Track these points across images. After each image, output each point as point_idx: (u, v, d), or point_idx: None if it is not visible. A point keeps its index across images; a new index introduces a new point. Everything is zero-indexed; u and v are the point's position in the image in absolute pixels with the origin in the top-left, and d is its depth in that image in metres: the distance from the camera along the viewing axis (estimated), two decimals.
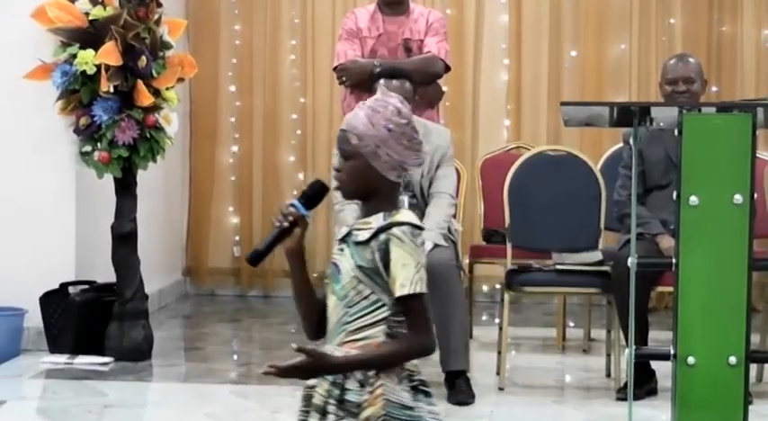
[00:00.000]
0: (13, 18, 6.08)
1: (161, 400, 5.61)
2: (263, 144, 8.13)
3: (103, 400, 5.32)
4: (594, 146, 7.42)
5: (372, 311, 2.78)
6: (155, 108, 5.96)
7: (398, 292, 2.73)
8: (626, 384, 4.60)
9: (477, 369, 5.72)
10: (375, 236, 2.77)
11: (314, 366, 2.74)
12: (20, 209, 6.21)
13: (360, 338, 2.79)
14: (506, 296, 5.65)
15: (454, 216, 5.76)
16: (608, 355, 5.79)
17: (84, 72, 5.78)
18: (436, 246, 5.46)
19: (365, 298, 2.78)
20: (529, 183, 5.87)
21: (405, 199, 5.63)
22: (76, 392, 5.43)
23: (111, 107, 5.85)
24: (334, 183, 2.89)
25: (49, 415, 5.23)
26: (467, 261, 6.42)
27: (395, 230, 2.75)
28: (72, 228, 6.26)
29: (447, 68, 6.22)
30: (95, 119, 5.85)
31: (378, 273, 2.76)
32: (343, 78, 6.14)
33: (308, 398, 2.84)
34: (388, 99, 2.86)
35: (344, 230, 2.87)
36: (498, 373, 5.63)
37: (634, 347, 4.19)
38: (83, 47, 5.81)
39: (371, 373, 2.75)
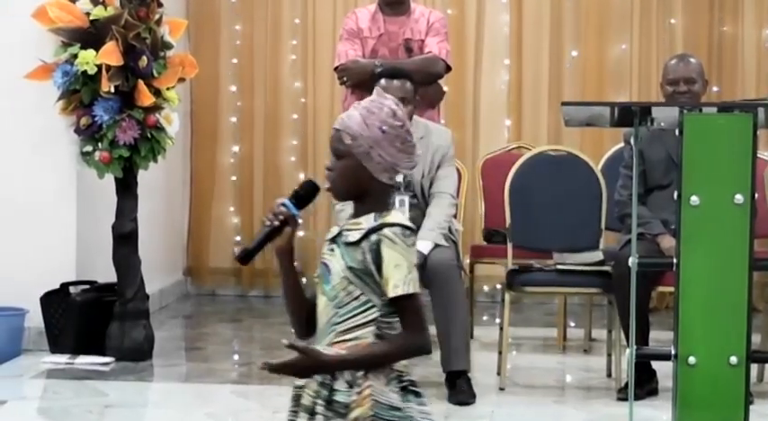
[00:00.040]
0: (13, 18, 6.08)
1: (162, 400, 5.61)
2: (264, 144, 8.13)
3: (104, 400, 5.32)
4: (595, 146, 7.42)
5: (362, 312, 2.78)
6: (155, 108, 5.97)
7: (392, 293, 2.74)
8: (627, 384, 4.60)
9: (478, 369, 5.72)
10: (366, 236, 2.77)
11: (306, 364, 2.75)
12: (21, 209, 6.21)
13: (349, 339, 2.79)
14: (507, 296, 5.65)
15: (455, 216, 5.76)
16: (609, 355, 5.79)
17: (84, 72, 5.78)
18: (437, 246, 5.47)
19: (355, 299, 2.78)
20: (530, 183, 5.87)
21: (406, 199, 5.64)
22: (77, 392, 5.43)
23: (112, 107, 5.85)
24: (326, 184, 2.89)
25: (49, 415, 5.23)
26: (467, 261, 6.43)
27: (386, 231, 2.76)
28: (73, 227, 6.26)
29: (448, 68, 6.22)
30: (96, 119, 5.85)
31: (368, 274, 2.76)
32: (344, 78, 6.14)
33: (297, 399, 2.84)
34: (383, 100, 2.86)
35: (335, 230, 2.87)
36: (499, 373, 5.63)
37: (635, 347, 4.19)
38: (84, 47, 5.81)
39: (360, 374, 2.75)
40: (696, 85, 5.53)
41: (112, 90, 5.80)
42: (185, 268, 8.26)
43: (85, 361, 5.92)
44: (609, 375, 5.76)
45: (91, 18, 5.87)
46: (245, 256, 2.87)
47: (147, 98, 5.88)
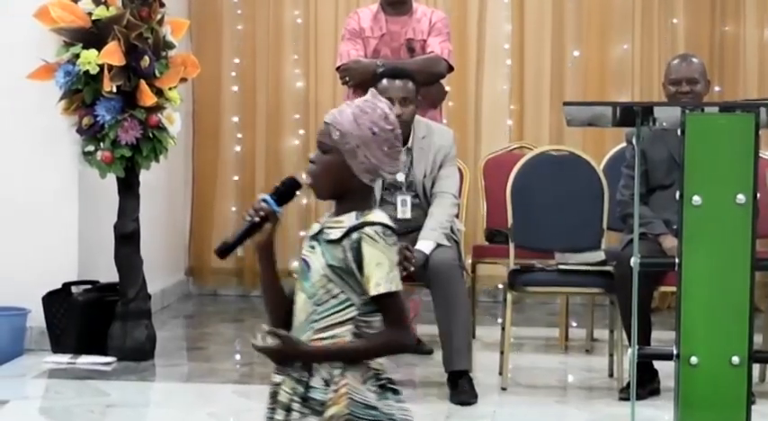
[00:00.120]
0: (15, 18, 6.08)
1: (163, 400, 5.61)
2: (266, 144, 8.13)
3: (106, 400, 5.32)
4: (597, 146, 7.41)
5: (340, 310, 2.79)
6: (157, 108, 5.97)
7: (374, 291, 2.75)
8: (629, 384, 4.60)
9: (480, 369, 5.72)
10: (347, 234, 2.78)
11: (284, 352, 2.77)
12: (23, 208, 6.22)
13: (327, 337, 2.80)
14: (509, 296, 5.66)
15: (457, 216, 5.77)
16: (611, 355, 5.79)
17: (86, 72, 5.78)
18: (439, 245, 5.47)
19: (334, 297, 2.79)
20: (531, 183, 5.87)
21: (408, 199, 5.65)
22: (79, 392, 5.43)
23: (114, 107, 5.86)
24: (308, 179, 2.88)
25: (51, 414, 5.23)
26: (469, 261, 6.42)
27: (367, 230, 2.77)
28: (75, 227, 6.26)
29: (450, 68, 6.22)
30: (98, 119, 5.86)
31: (348, 273, 2.77)
32: (346, 78, 6.14)
33: (274, 396, 2.86)
34: (377, 102, 2.87)
35: (316, 227, 2.87)
36: (501, 373, 5.63)
37: (637, 347, 4.19)
38: (86, 47, 5.81)
39: (337, 372, 2.77)
40: (699, 86, 5.53)
41: (114, 90, 5.80)
42: (187, 268, 8.26)
43: (87, 360, 5.92)
44: (611, 375, 5.76)
45: (93, 18, 5.87)
46: (224, 250, 2.87)
47: (149, 98, 5.88)
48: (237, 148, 8.22)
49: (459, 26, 7.89)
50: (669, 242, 5.30)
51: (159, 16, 6.04)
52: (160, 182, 7.16)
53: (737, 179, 3.78)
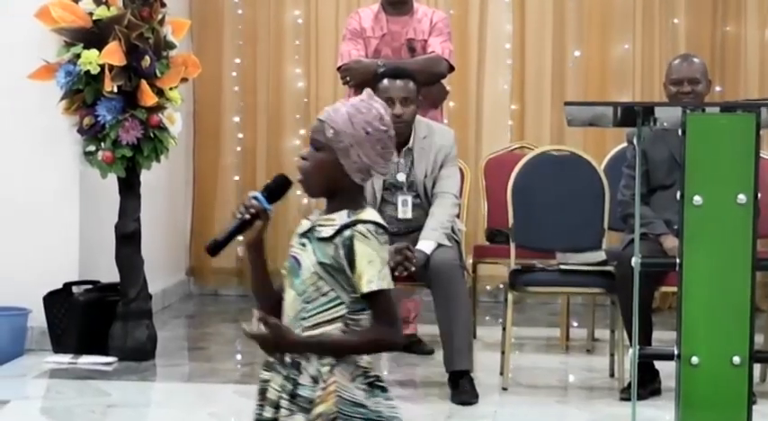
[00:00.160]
0: (16, 18, 6.08)
1: (164, 400, 5.61)
2: (267, 144, 8.13)
3: (107, 400, 5.32)
4: (598, 146, 7.41)
5: (330, 308, 2.80)
6: (158, 108, 5.97)
7: (365, 289, 2.75)
8: (629, 384, 4.61)
9: (481, 369, 5.72)
10: (339, 232, 2.78)
11: (274, 341, 2.76)
12: (23, 208, 6.22)
13: (316, 334, 2.80)
14: (510, 296, 5.65)
15: (458, 216, 5.77)
16: (611, 355, 5.79)
17: (87, 72, 5.78)
18: (440, 245, 5.47)
19: (324, 294, 2.80)
20: (532, 183, 5.87)
21: (409, 199, 5.65)
22: (80, 392, 5.43)
23: (115, 107, 5.86)
24: (299, 175, 2.88)
25: (52, 414, 5.23)
26: (470, 261, 6.43)
27: (360, 227, 2.77)
28: (76, 227, 6.26)
29: (451, 68, 6.23)
30: (99, 119, 5.86)
31: (339, 271, 2.78)
32: (347, 78, 6.14)
33: (263, 393, 2.88)
34: (373, 103, 2.87)
35: (306, 225, 2.87)
36: (502, 373, 5.63)
37: (638, 347, 4.19)
38: (86, 47, 5.81)
39: (325, 370, 2.77)
40: (700, 86, 5.53)
41: (115, 90, 5.80)
42: (188, 268, 8.26)
43: (88, 360, 5.92)
44: (612, 375, 5.76)
45: (94, 18, 5.87)
46: (214, 248, 2.87)
47: (149, 98, 5.88)
48: (238, 148, 8.23)
49: (460, 26, 7.89)
50: (670, 242, 5.30)
51: (160, 16, 6.04)
52: (161, 182, 7.16)
53: (738, 179, 3.78)
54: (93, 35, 5.86)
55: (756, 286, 3.84)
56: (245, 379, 5.87)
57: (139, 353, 6.00)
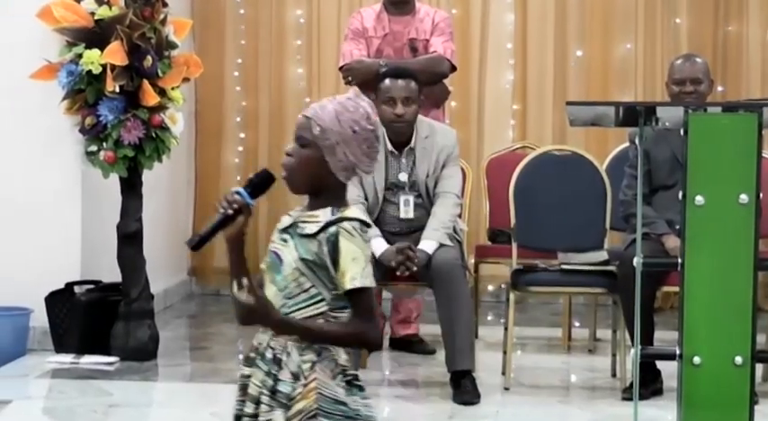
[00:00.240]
0: (18, 18, 6.08)
1: (166, 400, 5.61)
2: (269, 144, 8.13)
3: (109, 400, 5.32)
4: (600, 145, 7.41)
5: (311, 305, 2.80)
6: (160, 108, 5.97)
7: (349, 286, 2.75)
8: (631, 384, 4.60)
9: (483, 369, 5.72)
10: (324, 229, 2.77)
11: (256, 311, 2.75)
12: (25, 208, 6.22)
13: (297, 318, 2.80)
14: (512, 296, 5.65)
15: (459, 216, 5.77)
16: (613, 355, 5.78)
17: (89, 72, 5.78)
18: (441, 245, 5.47)
19: (305, 291, 2.80)
20: (534, 183, 5.87)
21: (410, 199, 5.65)
22: (82, 392, 5.43)
23: (117, 107, 5.86)
24: (283, 172, 2.88)
25: (54, 414, 5.23)
26: (472, 261, 6.42)
27: (345, 224, 2.77)
28: (77, 227, 6.26)
29: (453, 68, 6.23)
30: (101, 118, 5.86)
31: (322, 267, 2.77)
32: (349, 78, 6.13)
33: (243, 388, 2.88)
34: (360, 101, 2.87)
35: (287, 221, 2.87)
36: (504, 373, 5.63)
37: (639, 347, 4.19)
38: (88, 46, 5.81)
39: (306, 367, 2.77)
40: (702, 86, 5.53)
41: (117, 90, 5.81)
42: (190, 268, 8.26)
43: (90, 360, 5.92)
44: (614, 375, 5.76)
45: (96, 18, 5.88)
46: (197, 243, 2.86)
47: (151, 98, 5.88)
48: (240, 148, 8.23)
49: (462, 25, 7.90)
50: (672, 242, 5.29)
51: (162, 16, 6.04)
52: (163, 182, 7.16)
53: (740, 179, 3.78)
54: (95, 35, 5.86)
55: (758, 286, 3.84)
56: None
57: (141, 353, 6.00)
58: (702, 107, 4.14)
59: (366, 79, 5.96)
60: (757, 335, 3.88)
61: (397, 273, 5.43)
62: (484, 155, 7.49)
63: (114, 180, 6.04)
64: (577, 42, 8.02)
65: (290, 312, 2.81)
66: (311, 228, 2.79)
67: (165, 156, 6.11)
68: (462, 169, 5.91)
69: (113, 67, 5.77)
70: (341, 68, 6.24)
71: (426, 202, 5.65)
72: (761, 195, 3.79)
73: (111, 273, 6.16)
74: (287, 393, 2.78)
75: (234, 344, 6.91)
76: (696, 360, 3.78)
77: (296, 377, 2.78)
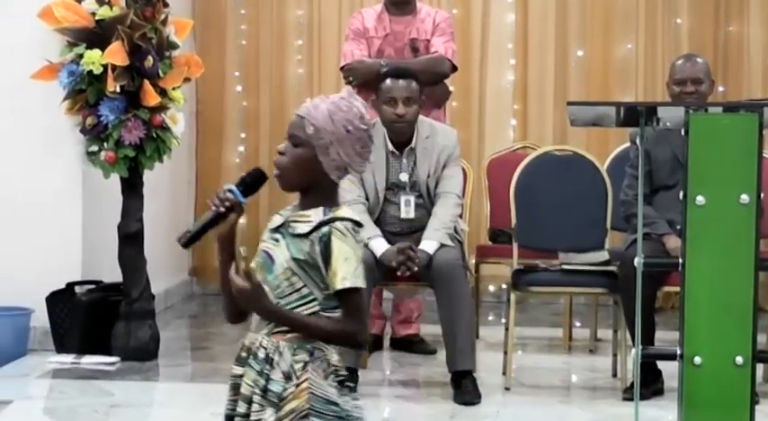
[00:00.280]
0: (19, 18, 6.08)
1: (167, 400, 5.61)
2: (270, 144, 8.13)
3: (110, 400, 5.32)
4: (601, 145, 7.42)
5: (303, 304, 2.80)
6: (161, 108, 5.97)
7: (339, 285, 2.75)
8: (632, 384, 4.60)
9: (484, 369, 5.72)
10: (316, 229, 2.78)
11: (250, 295, 2.75)
12: (26, 208, 6.22)
13: (288, 330, 2.80)
14: (513, 296, 5.65)
15: (460, 216, 5.76)
16: (614, 355, 5.78)
17: (90, 72, 5.79)
18: (442, 245, 5.47)
19: (297, 291, 2.80)
20: (535, 183, 5.87)
21: (411, 199, 5.65)
22: (83, 392, 5.43)
23: (118, 107, 5.86)
24: (275, 170, 2.88)
25: (55, 414, 5.23)
26: (473, 261, 6.42)
27: (338, 224, 2.77)
28: (78, 227, 6.26)
29: (454, 68, 6.23)
30: (102, 119, 5.86)
31: (313, 267, 2.78)
32: (350, 78, 6.14)
33: (235, 388, 2.88)
34: (353, 101, 2.88)
35: (278, 220, 2.87)
36: (504, 373, 5.63)
37: (640, 347, 4.18)
38: (89, 47, 5.81)
39: (298, 367, 2.78)
40: (703, 86, 5.53)
41: (118, 90, 5.81)
42: (191, 268, 8.26)
43: (91, 360, 5.93)
44: (614, 375, 5.76)
45: (97, 18, 5.88)
46: (188, 240, 2.87)
47: (152, 98, 5.88)
48: (241, 148, 8.23)
49: (463, 25, 7.90)
50: (673, 242, 5.29)
51: (163, 16, 6.05)
52: (164, 182, 7.17)
53: (741, 179, 3.77)
54: (96, 35, 5.86)
55: (759, 286, 3.84)
56: None
57: (142, 353, 6.00)
58: (703, 107, 4.13)
59: (367, 79, 5.96)
60: (758, 336, 3.87)
61: (398, 273, 5.44)
62: (485, 155, 7.50)
63: (115, 180, 6.04)
64: (578, 42, 8.02)
65: None
66: (303, 228, 2.80)
67: (166, 157, 6.11)
68: (463, 169, 5.91)
69: (114, 68, 5.77)
70: (342, 68, 6.24)
71: (427, 203, 5.65)
72: (762, 195, 3.79)
73: (111, 273, 6.16)
74: (278, 392, 2.78)
75: (235, 344, 6.84)
76: (697, 360, 3.78)
77: (288, 377, 2.78)
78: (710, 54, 7.53)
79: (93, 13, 5.89)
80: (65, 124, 6.03)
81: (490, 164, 6.79)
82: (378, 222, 5.59)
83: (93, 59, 5.76)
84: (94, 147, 5.93)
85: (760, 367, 5.25)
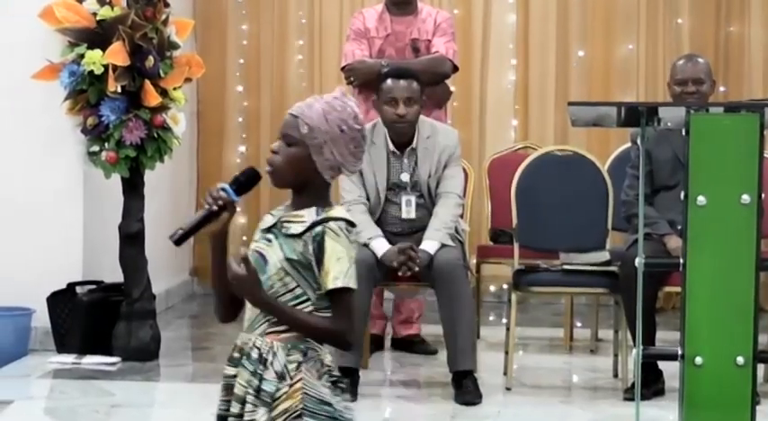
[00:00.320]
0: (20, 18, 6.08)
1: (168, 400, 5.61)
2: (271, 144, 8.11)
3: (111, 400, 5.32)
4: (602, 146, 7.42)
5: (296, 305, 2.80)
6: (162, 108, 5.97)
7: (331, 285, 2.75)
8: (633, 384, 4.59)
9: (485, 369, 5.72)
10: (309, 229, 2.78)
11: (246, 282, 2.76)
12: (27, 209, 6.22)
13: (282, 330, 2.81)
14: (513, 296, 5.65)
15: (461, 216, 5.76)
16: (615, 355, 5.78)
17: (91, 72, 5.79)
18: (443, 245, 5.47)
19: (290, 291, 2.80)
20: (536, 183, 5.87)
21: (412, 199, 5.64)
22: (84, 392, 5.43)
23: (119, 107, 5.86)
24: (267, 167, 2.87)
25: (56, 415, 5.23)
26: (474, 261, 6.42)
27: (331, 224, 2.78)
28: (79, 228, 6.26)
29: (455, 68, 6.23)
30: (103, 119, 5.86)
31: (306, 267, 2.78)
32: (351, 78, 6.14)
33: (228, 388, 2.88)
34: (347, 101, 2.88)
35: (270, 220, 2.87)
36: (505, 373, 5.63)
37: (641, 347, 4.19)
38: (90, 47, 5.81)
39: (292, 367, 2.78)
40: (704, 86, 5.53)
41: (119, 90, 5.81)
42: (192, 268, 8.26)
43: (92, 361, 5.92)
44: (615, 375, 5.76)
45: (98, 18, 5.88)
46: (180, 238, 2.87)
47: (153, 98, 5.88)
48: (242, 148, 8.23)
49: (464, 26, 7.90)
50: (674, 242, 5.29)
51: (164, 16, 6.04)
52: (165, 182, 7.16)
53: (742, 179, 3.77)
54: (97, 35, 5.86)
55: (760, 286, 3.84)
56: None
57: (143, 354, 6.00)
58: (704, 107, 4.14)
59: (368, 79, 5.97)
60: (759, 336, 3.87)
61: (399, 274, 5.44)
62: (486, 155, 7.49)
63: (116, 180, 6.04)
64: (579, 42, 8.02)
65: None
66: (297, 228, 2.80)
67: (167, 157, 6.11)
68: (464, 169, 5.90)
69: (115, 68, 5.77)
70: (343, 69, 6.24)
71: (428, 203, 5.65)
72: (763, 195, 3.79)
73: (112, 273, 6.16)
74: (271, 392, 2.78)
75: None
76: (698, 360, 3.78)
77: (281, 377, 2.78)
78: (711, 54, 7.53)
79: (94, 14, 5.89)
80: (66, 124, 6.03)
81: (491, 164, 6.79)
82: (379, 222, 5.59)
83: (94, 59, 5.76)
84: (95, 148, 5.94)
85: (761, 367, 5.25)
